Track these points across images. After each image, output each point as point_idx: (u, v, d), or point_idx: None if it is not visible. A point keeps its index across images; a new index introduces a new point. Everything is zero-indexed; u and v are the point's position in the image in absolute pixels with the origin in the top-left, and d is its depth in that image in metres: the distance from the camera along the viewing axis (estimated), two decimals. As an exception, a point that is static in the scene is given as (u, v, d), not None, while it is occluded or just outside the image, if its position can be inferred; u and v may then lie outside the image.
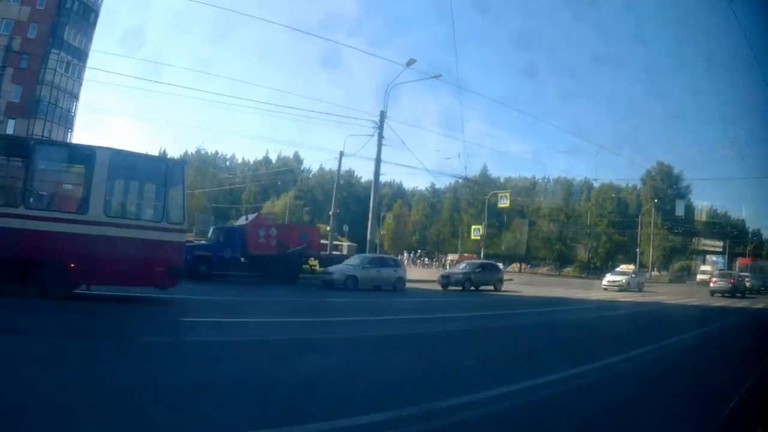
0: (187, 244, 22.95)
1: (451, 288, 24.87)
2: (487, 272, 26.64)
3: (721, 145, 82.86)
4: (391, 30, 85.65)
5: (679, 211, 62.88)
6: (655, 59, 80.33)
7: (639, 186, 71.15)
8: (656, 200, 64.10)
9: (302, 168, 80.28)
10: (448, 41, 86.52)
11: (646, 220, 66.36)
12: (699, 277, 50.74)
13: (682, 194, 70.35)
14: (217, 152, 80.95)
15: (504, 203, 36.45)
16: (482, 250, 36.81)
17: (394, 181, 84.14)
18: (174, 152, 78.51)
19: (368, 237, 30.26)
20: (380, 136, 29.56)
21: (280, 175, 71.69)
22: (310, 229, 24.78)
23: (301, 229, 24.87)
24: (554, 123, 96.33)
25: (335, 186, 41.48)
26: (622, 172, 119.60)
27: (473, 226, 38.70)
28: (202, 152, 69.55)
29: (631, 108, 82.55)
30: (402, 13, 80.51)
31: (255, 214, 24.25)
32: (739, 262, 51.97)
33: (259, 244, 21.05)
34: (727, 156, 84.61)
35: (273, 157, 78.49)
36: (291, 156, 77.46)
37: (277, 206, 64.55)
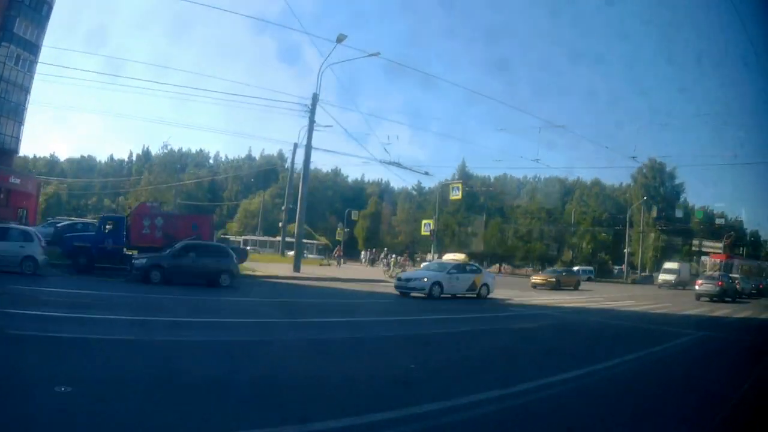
0: (69, 233, 22.24)
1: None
2: (199, 258, 17.49)
3: (712, 143, 79.49)
4: (352, 24, 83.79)
5: (679, 214, 60.33)
6: (639, 56, 77.26)
7: (631, 184, 68.92)
8: (644, 197, 61.58)
9: (286, 166, 79.73)
10: (412, 35, 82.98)
11: (637, 219, 64.01)
12: (661, 277, 42.90)
13: (676, 192, 67.83)
14: (201, 149, 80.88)
15: (456, 194, 34.65)
16: (432, 246, 35.20)
17: (381, 179, 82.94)
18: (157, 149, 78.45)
19: (296, 230, 29.00)
20: (311, 121, 28.29)
21: (261, 170, 71.12)
22: (201, 219, 23.52)
23: (192, 219, 23.59)
24: (531, 119, 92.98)
25: (288, 179, 40.65)
26: (614, 171, 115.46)
27: (424, 221, 37.08)
28: (168, 149, 69.11)
29: (613, 104, 79.26)
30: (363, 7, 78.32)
31: (139, 203, 23.17)
32: (711, 259, 45.86)
33: (143, 234, 19.93)
34: (719, 153, 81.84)
35: (257, 155, 78.06)
36: (275, 153, 77.09)
37: (253, 204, 63.83)
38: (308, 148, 28.55)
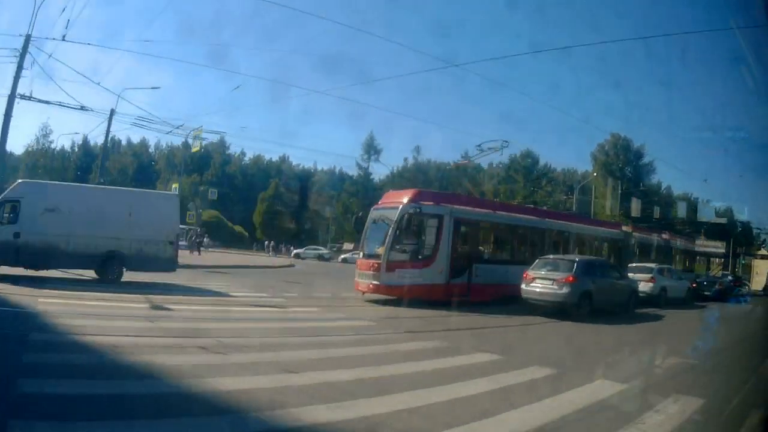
0: None
1: None
2: None
3: (701, 137, 67.38)
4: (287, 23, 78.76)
5: (681, 212, 50.56)
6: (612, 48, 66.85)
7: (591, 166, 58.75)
8: (595, 174, 51.84)
9: (229, 152, 76.89)
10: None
11: (600, 204, 54.21)
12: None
13: (643, 172, 57.24)
14: (144, 138, 79.78)
15: (195, 146, 29.25)
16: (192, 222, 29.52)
17: (334, 167, 77.85)
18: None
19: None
20: (20, 67, 24.07)
21: (195, 156, 68.53)
22: None
23: None
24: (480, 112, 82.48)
25: (102, 152, 37.03)
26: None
27: (173, 185, 31.66)
28: (47, 130, 66.23)
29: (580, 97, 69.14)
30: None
31: None
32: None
33: None
34: (708, 152, 69.52)
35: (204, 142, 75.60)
36: (216, 140, 74.45)
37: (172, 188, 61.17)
38: (11, 98, 24.37)
